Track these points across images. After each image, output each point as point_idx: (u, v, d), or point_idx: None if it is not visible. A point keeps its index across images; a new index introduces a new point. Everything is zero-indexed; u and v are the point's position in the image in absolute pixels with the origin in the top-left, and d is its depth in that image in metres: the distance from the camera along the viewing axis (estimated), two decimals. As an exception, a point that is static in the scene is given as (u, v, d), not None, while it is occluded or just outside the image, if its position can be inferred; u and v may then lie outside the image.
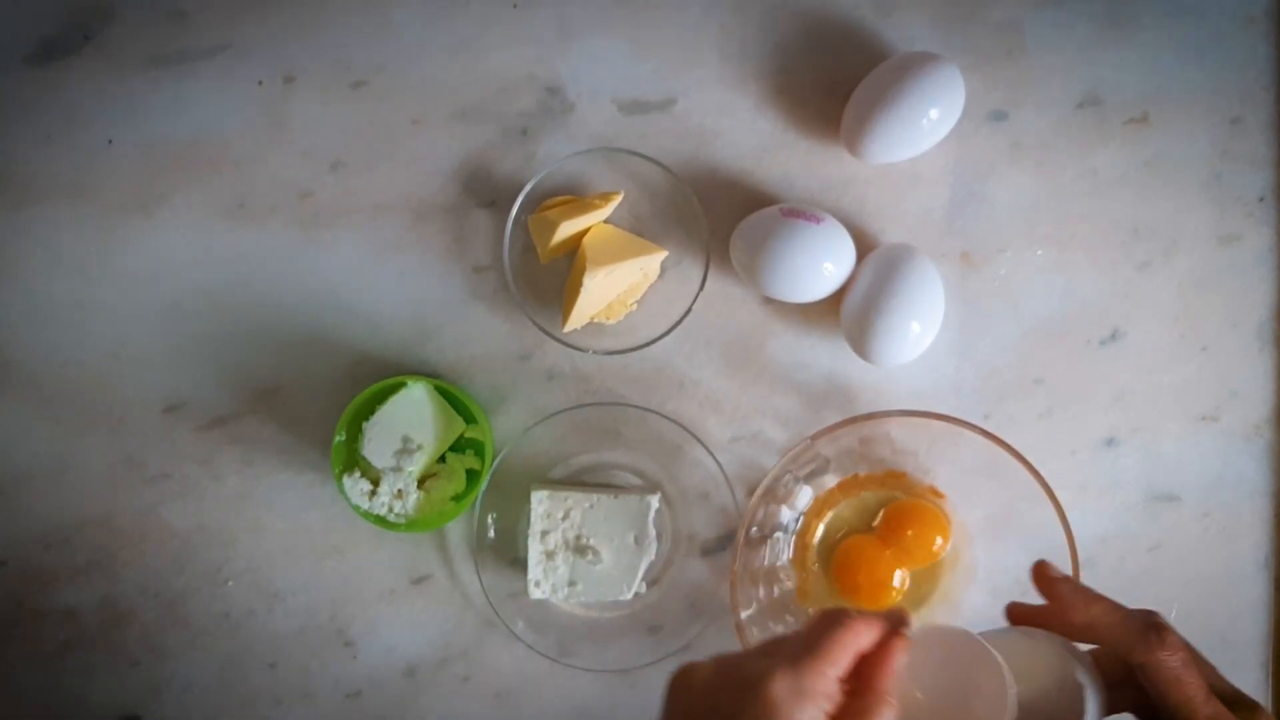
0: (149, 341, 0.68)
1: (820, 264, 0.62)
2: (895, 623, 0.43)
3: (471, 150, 0.67)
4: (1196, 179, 0.66)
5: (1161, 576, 0.67)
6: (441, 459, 0.67)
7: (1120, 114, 0.66)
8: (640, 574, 0.66)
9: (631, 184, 0.67)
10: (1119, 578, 0.67)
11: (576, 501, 0.66)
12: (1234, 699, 0.43)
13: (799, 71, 0.67)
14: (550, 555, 0.66)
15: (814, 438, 0.62)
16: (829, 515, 0.68)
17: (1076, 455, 0.67)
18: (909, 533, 0.65)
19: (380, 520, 0.65)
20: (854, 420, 0.62)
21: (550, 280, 0.67)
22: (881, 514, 0.67)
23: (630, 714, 0.69)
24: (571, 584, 0.66)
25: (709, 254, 0.65)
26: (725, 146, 0.67)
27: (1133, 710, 0.45)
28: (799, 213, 0.63)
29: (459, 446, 0.67)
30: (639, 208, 0.67)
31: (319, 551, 0.69)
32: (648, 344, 0.65)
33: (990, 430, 0.61)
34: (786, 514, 0.67)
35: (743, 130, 0.67)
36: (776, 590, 0.66)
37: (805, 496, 0.67)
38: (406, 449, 0.65)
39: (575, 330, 0.66)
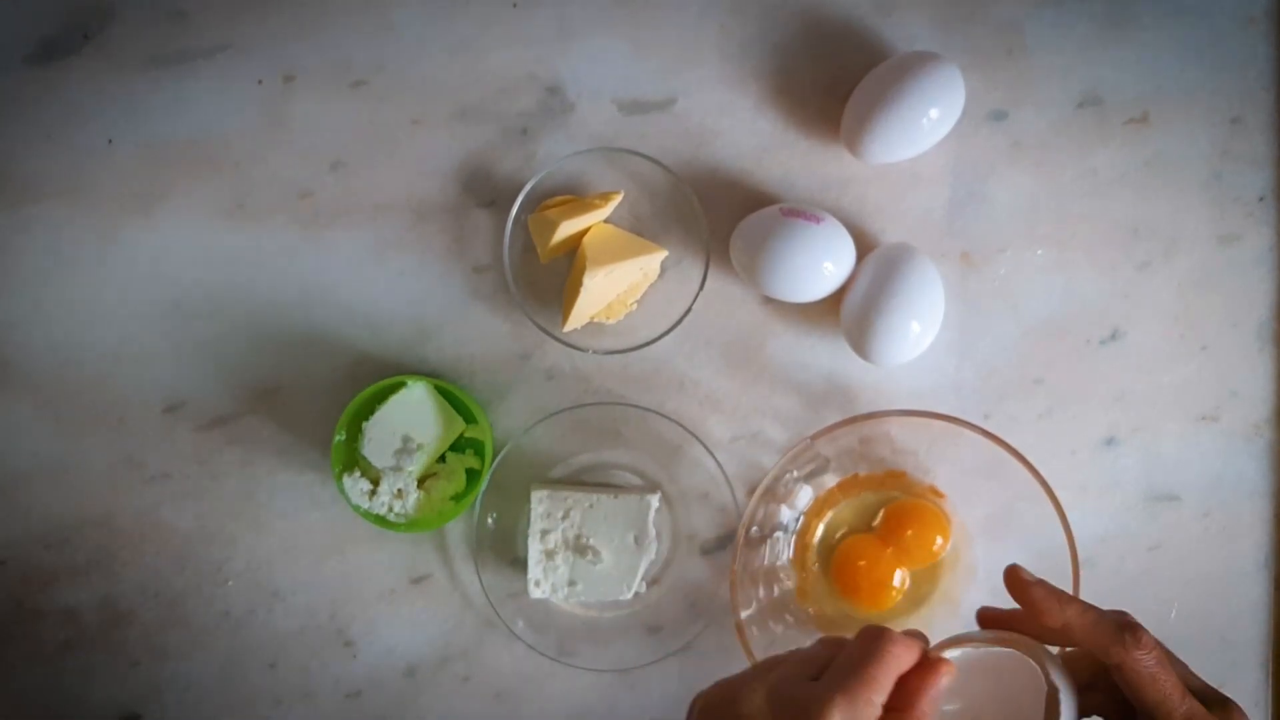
0: (149, 341, 0.68)
1: (820, 264, 0.62)
2: (919, 635, 0.44)
3: (471, 150, 0.67)
4: (1196, 179, 0.66)
5: (1161, 576, 0.68)
6: (441, 459, 0.67)
7: (1120, 114, 0.66)
8: (640, 574, 0.66)
9: (631, 184, 0.67)
10: (1119, 578, 0.67)
11: (576, 501, 0.66)
12: (1207, 695, 0.43)
13: (799, 71, 0.67)
14: (550, 555, 0.66)
15: (814, 437, 0.62)
16: (829, 515, 0.68)
17: (1076, 455, 0.67)
18: (909, 533, 0.65)
19: (380, 520, 0.65)
20: (854, 420, 0.62)
21: (550, 280, 0.67)
22: (881, 514, 0.67)
23: (630, 714, 0.69)
24: (571, 584, 0.66)
25: (709, 254, 0.65)
26: (725, 146, 0.67)
27: (1100, 713, 0.45)
28: (799, 212, 0.63)
29: (459, 446, 0.67)
30: (639, 207, 0.67)
31: (319, 551, 0.69)
32: (648, 344, 0.65)
33: (990, 430, 0.61)
34: (786, 514, 0.67)
35: (743, 130, 0.67)
36: (776, 590, 0.66)
37: (805, 496, 0.67)
38: (406, 449, 0.65)
39: (575, 330, 0.66)
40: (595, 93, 0.67)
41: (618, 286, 0.65)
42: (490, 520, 0.67)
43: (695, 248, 0.66)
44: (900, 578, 0.66)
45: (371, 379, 0.66)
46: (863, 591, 0.66)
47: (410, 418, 0.65)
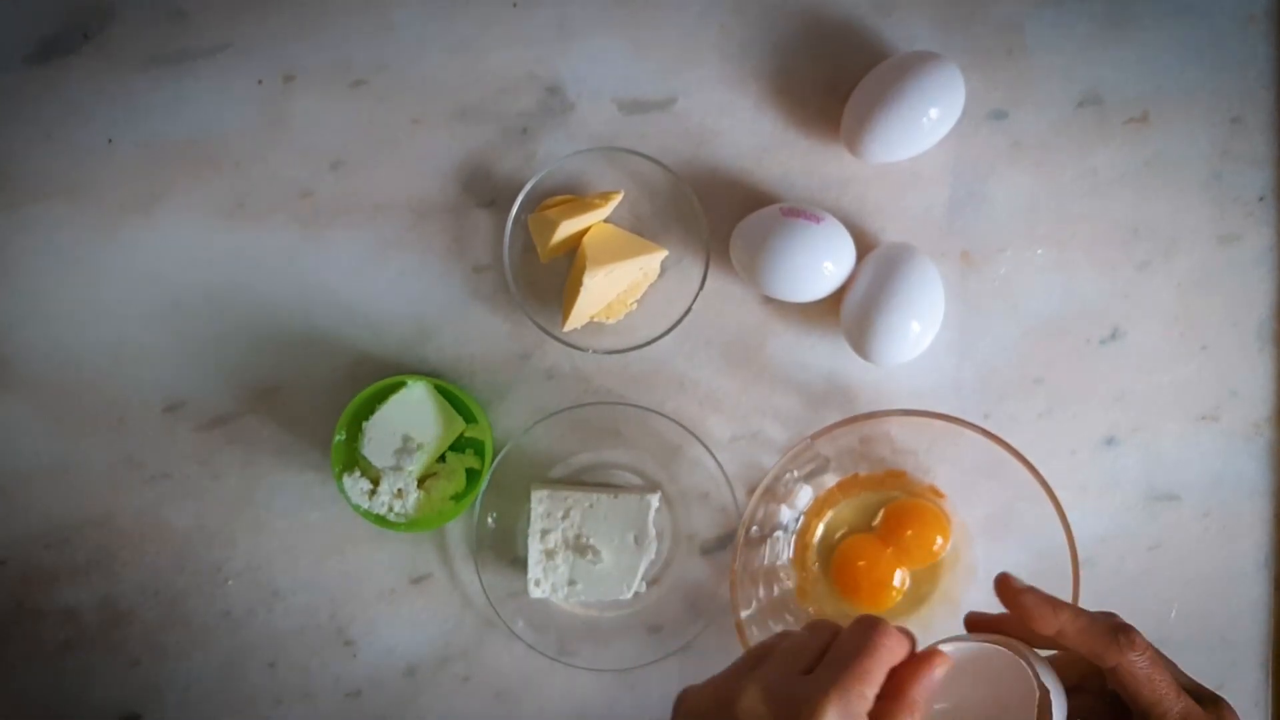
0: (149, 341, 0.68)
1: (820, 263, 0.62)
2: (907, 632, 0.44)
3: (471, 150, 0.67)
4: (1196, 179, 0.66)
5: (1161, 576, 0.68)
6: (441, 458, 0.67)
7: (1120, 114, 0.66)
8: (640, 573, 0.66)
9: (631, 183, 0.67)
10: (1119, 578, 0.67)
11: (576, 501, 0.66)
12: (1199, 693, 0.43)
13: (799, 71, 0.67)
14: (550, 554, 0.66)
15: (814, 437, 0.62)
16: (829, 515, 0.68)
17: (1076, 455, 0.67)
18: (909, 532, 0.65)
19: (380, 520, 0.65)
20: (854, 420, 0.62)
21: (550, 280, 0.67)
22: (881, 513, 0.67)
23: (630, 714, 0.69)
24: (571, 583, 0.66)
25: (709, 253, 0.65)
26: (725, 146, 0.67)
27: (1086, 715, 0.45)
28: (799, 212, 0.63)
29: (459, 446, 0.67)
30: (639, 207, 0.67)
31: (319, 551, 0.69)
32: (648, 343, 0.65)
33: (990, 430, 0.61)
34: (786, 513, 0.67)
35: (743, 130, 0.67)
36: (776, 590, 0.66)
37: (805, 496, 0.67)
38: (406, 448, 0.65)
39: (575, 330, 0.66)
40: (595, 92, 0.67)
41: (618, 286, 0.65)
42: (490, 520, 0.67)
43: (695, 247, 0.66)
44: (900, 578, 0.66)
45: (371, 379, 0.66)
46: (863, 591, 0.66)
47: (410, 418, 0.65)
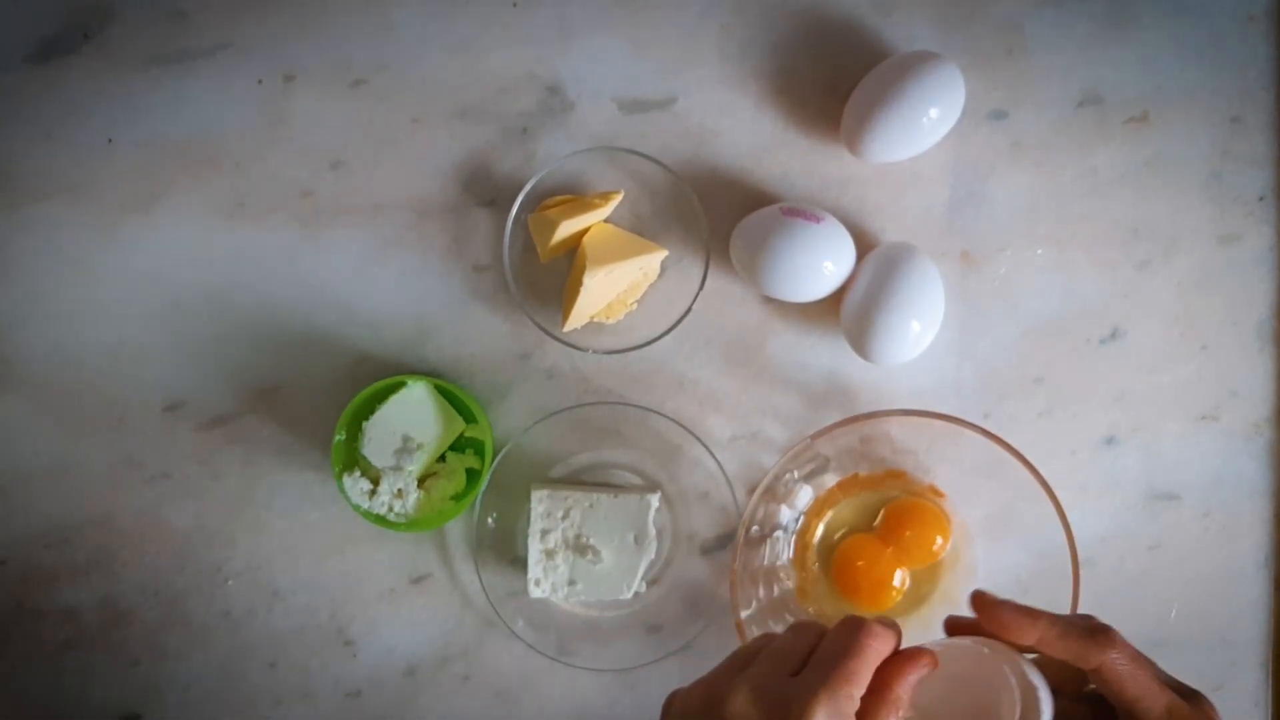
0: (149, 341, 0.68)
1: (820, 263, 0.62)
2: (893, 625, 0.44)
3: (471, 149, 0.67)
4: (1196, 178, 0.66)
5: (1161, 576, 0.68)
6: (441, 458, 0.67)
7: (1120, 113, 0.66)
8: (640, 573, 0.66)
9: (631, 183, 0.67)
10: (1119, 577, 0.67)
11: (576, 501, 0.66)
12: (1178, 688, 0.44)
13: (799, 71, 0.67)
14: (550, 554, 0.66)
15: (814, 437, 0.62)
16: (829, 514, 0.68)
17: (1076, 455, 0.67)
18: (909, 532, 0.65)
19: (380, 520, 0.65)
20: (854, 419, 0.62)
21: (550, 280, 0.67)
22: (881, 513, 0.67)
23: (630, 714, 0.69)
24: (571, 583, 0.66)
25: (709, 253, 0.65)
26: (725, 146, 0.67)
27: (1065, 717, 0.45)
28: (799, 212, 0.63)
29: (459, 446, 0.67)
30: (639, 207, 0.67)
31: (319, 551, 0.69)
32: (648, 343, 0.65)
33: (990, 430, 0.61)
34: (786, 513, 0.67)
35: (743, 129, 0.67)
36: (776, 589, 0.66)
37: (805, 496, 0.67)
38: (406, 448, 0.65)
39: (575, 329, 0.66)
40: (595, 92, 0.67)
41: (618, 286, 0.65)
42: (490, 520, 0.67)
43: (695, 247, 0.66)
44: (900, 578, 0.66)
45: (371, 379, 0.66)
46: (863, 591, 0.66)
47: (410, 417, 0.65)
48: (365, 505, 0.65)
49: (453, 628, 0.69)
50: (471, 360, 0.68)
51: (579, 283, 0.62)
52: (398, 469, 0.65)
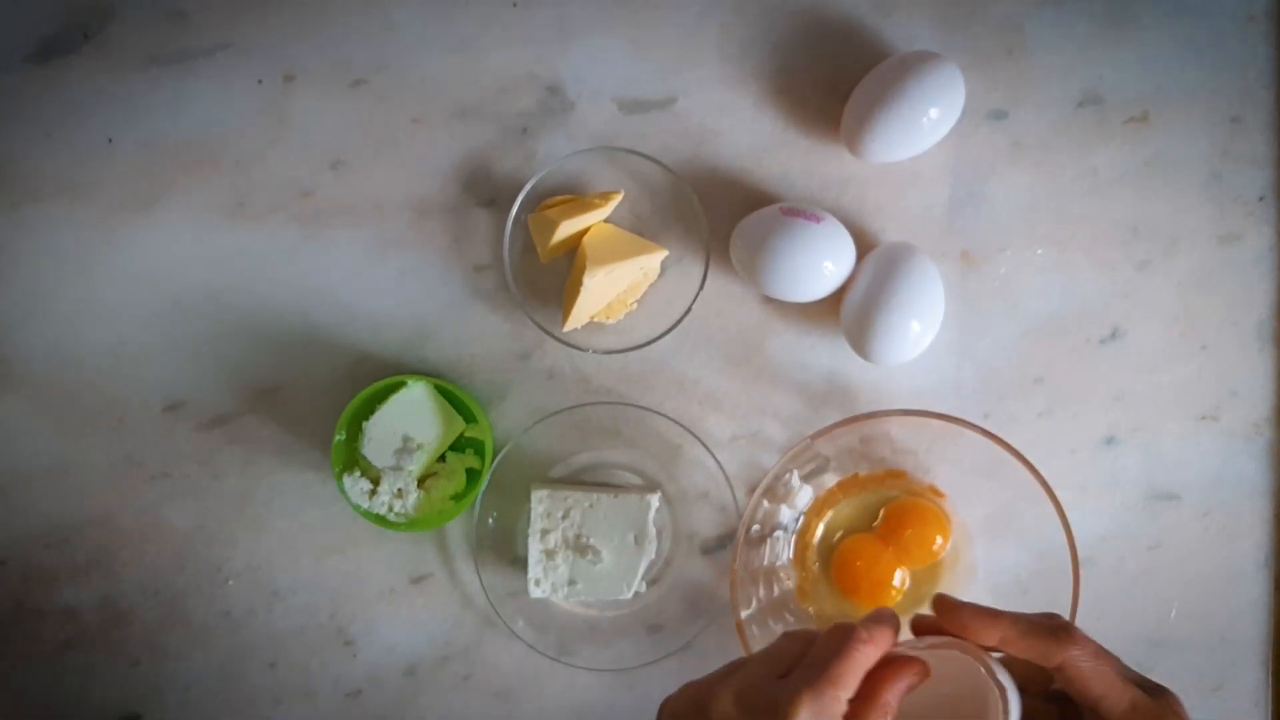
0: (149, 341, 0.68)
1: (820, 263, 0.62)
2: (888, 623, 0.44)
3: (471, 149, 0.67)
4: (1196, 178, 0.66)
5: (1161, 576, 0.67)
6: (441, 458, 0.67)
7: (1120, 113, 0.66)
8: (640, 573, 0.66)
9: (632, 183, 0.67)
10: (1119, 577, 0.67)
11: (576, 501, 0.66)
12: (1144, 684, 0.44)
13: (799, 71, 0.67)
14: (550, 554, 0.66)
15: (814, 437, 0.62)
16: (829, 514, 0.68)
17: (1076, 454, 0.67)
18: (909, 532, 0.65)
19: (380, 520, 0.65)
20: (854, 419, 0.62)
21: (550, 279, 0.67)
22: (881, 513, 0.67)
23: (630, 714, 0.69)
24: (571, 583, 0.66)
25: (709, 253, 0.65)
26: (725, 146, 0.67)
27: (1032, 718, 0.45)
28: (799, 212, 0.63)
29: (459, 446, 0.67)
30: (639, 207, 0.67)
31: (319, 551, 0.69)
32: (648, 343, 0.65)
33: (990, 430, 0.61)
34: (786, 513, 0.67)
35: (743, 129, 0.67)
36: (776, 589, 0.66)
37: (805, 496, 0.67)
38: (406, 448, 0.65)
39: (575, 329, 0.66)
40: (595, 92, 0.67)
41: (618, 286, 0.65)
42: (490, 520, 0.67)
43: (695, 247, 0.66)
44: (900, 577, 0.66)
45: (371, 379, 0.66)
46: (863, 591, 0.66)
47: (410, 417, 0.65)
48: (365, 505, 0.65)
49: (453, 628, 0.69)
50: (471, 360, 0.68)
51: (579, 283, 0.62)
52: (398, 469, 0.65)
